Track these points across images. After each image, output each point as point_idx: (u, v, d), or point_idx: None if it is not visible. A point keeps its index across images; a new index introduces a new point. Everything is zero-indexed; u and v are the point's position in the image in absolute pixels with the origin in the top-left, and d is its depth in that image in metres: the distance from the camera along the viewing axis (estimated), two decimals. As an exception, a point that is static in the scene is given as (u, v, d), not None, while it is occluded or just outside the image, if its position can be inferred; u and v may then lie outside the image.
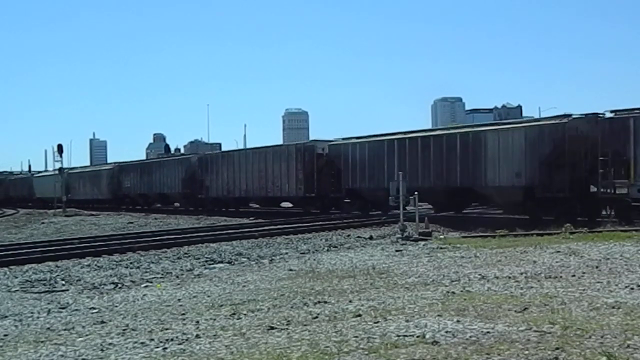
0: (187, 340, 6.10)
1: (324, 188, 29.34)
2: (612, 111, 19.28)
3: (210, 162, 37.48)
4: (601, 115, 19.49)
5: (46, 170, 76.12)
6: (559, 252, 11.57)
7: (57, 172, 56.26)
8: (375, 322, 6.27)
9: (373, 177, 26.16)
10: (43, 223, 33.00)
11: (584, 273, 9.06)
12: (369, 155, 26.69)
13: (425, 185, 22.66)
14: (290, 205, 33.94)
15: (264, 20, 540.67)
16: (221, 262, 14.19)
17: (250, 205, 36.88)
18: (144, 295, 9.83)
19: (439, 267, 10.64)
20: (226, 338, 6.06)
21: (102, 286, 11.30)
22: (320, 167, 29.60)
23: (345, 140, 29.03)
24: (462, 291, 7.99)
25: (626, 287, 7.79)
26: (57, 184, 49.11)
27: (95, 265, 14.28)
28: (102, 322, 7.54)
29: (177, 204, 42.09)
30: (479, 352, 4.99)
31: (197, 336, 6.23)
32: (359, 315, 6.67)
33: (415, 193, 18.45)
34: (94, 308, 8.93)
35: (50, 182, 52.43)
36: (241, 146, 72.44)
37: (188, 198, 38.48)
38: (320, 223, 23.60)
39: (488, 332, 5.59)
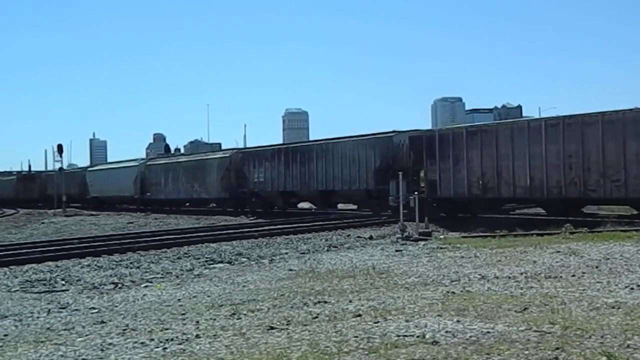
0: (187, 340, 6.10)
1: None
2: None
3: (440, 142, 22.98)
4: None
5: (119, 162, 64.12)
6: (559, 252, 11.57)
7: (131, 163, 45.39)
8: (375, 322, 6.27)
9: None
10: (43, 223, 33.00)
11: (584, 273, 9.05)
12: None
13: None
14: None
15: (264, 20, 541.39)
16: (221, 262, 14.19)
17: (509, 208, 24.55)
18: (144, 295, 9.83)
19: (439, 267, 10.63)
20: (226, 338, 6.06)
21: (102, 286, 11.30)
22: None
23: None
24: (462, 291, 7.99)
25: (626, 287, 7.79)
26: (134, 180, 40.65)
27: (95, 265, 14.27)
28: (102, 322, 7.54)
29: (348, 206, 30.12)
30: (479, 352, 4.99)
31: (197, 336, 6.23)
32: (359, 315, 6.67)
33: (415, 193, 18.45)
34: (94, 308, 8.93)
35: (118, 177, 42.83)
36: (241, 146, 62.08)
37: (384, 199, 23.85)
38: (320, 223, 23.60)
39: (488, 332, 5.59)
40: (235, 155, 34.71)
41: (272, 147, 33.40)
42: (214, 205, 36.86)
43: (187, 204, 39.39)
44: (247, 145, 56.55)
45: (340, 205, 31.31)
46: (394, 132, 26.80)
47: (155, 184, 40.31)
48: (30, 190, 59.36)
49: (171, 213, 36.42)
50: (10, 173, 78.60)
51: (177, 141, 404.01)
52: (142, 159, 46.85)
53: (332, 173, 28.01)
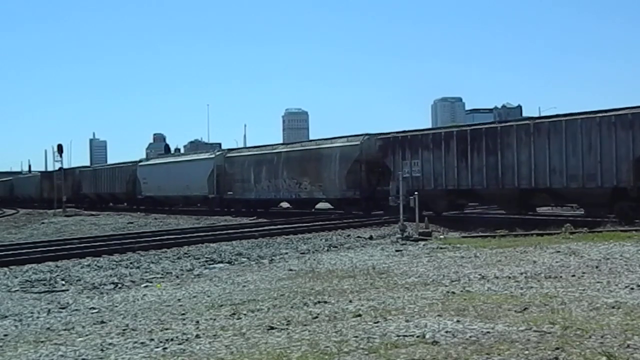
0: (187, 340, 6.10)
1: None
2: None
3: None
4: None
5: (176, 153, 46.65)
6: (559, 252, 11.57)
7: (205, 155, 36.83)
8: (375, 322, 6.27)
9: None
10: (43, 223, 32.99)
11: (584, 273, 9.05)
12: None
13: None
14: None
15: (264, 20, 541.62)
16: (221, 262, 14.19)
17: None
18: (144, 295, 9.83)
19: (439, 267, 10.63)
20: (226, 338, 6.06)
21: (102, 286, 11.30)
22: None
23: None
24: (462, 291, 7.99)
25: (626, 287, 7.79)
26: (208, 175, 33.13)
27: (95, 265, 14.28)
28: (102, 322, 7.54)
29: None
30: (479, 352, 4.99)
31: (197, 336, 6.23)
32: (359, 315, 6.67)
33: (415, 193, 18.45)
34: (94, 308, 8.93)
35: (186, 172, 35.11)
36: (241, 146, 57.86)
37: None
38: (320, 223, 23.58)
39: (488, 332, 5.59)
40: (368, 143, 26.34)
41: (436, 130, 24.67)
42: (331, 207, 29.74)
43: (288, 204, 33.17)
44: (248, 145, 53.81)
45: (543, 208, 23.56)
46: None
47: (240, 180, 32.23)
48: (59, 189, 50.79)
49: (271, 216, 29.14)
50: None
51: (177, 141, 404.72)
52: (219, 151, 37.37)
53: (549, 164, 19.77)
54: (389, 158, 24.54)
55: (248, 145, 53.76)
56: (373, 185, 25.59)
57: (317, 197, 29.31)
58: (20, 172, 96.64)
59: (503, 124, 21.97)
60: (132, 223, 31.12)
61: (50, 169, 57.25)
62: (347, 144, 27.41)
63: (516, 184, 20.57)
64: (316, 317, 6.77)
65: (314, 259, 13.33)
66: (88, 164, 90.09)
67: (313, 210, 31.16)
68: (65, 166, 50.89)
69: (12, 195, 66.73)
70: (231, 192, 32.67)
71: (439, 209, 23.30)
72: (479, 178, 21.52)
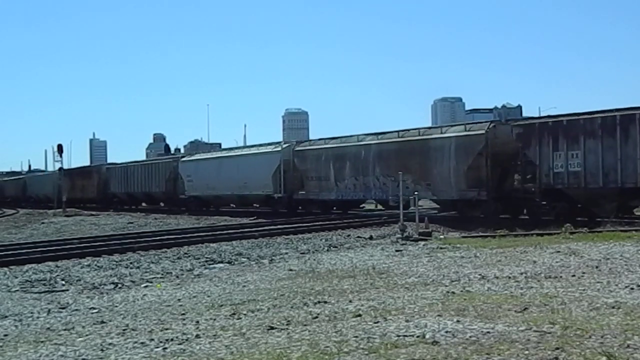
0: (187, 340, 6.09)
1: None
2: None
3: None
4: None
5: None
6: (559, 252, 11.58)
7: (269, 148, 31.74)
8: (375, 322, 6.26)
9: None
10: (43, 223, 32.98)
11: (584, 273, 9.06)
12: None
13: None
14: None
15: (264, 20, 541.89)
16: (221, 262, 14.19)
17: None
18: (144, 295, 9.83)
19: (439, 267, 10.63)
20: (226, 338, 6.06)
21: (102, 286, 11.30)
22: None
23: None
24: (462, 291, 7.99)
25: (626, 287, 7.79)
26: (273, 172, 28.89)
27: (95, 265, 14.27)
28: (102, 322, 7.54)
29: None
30: (479, 352, 4.99)
31: (197, 336, 6.23)
32: (359, 315, 6.67)
33: (415, 193, 18.46)
34: (94, 308, 8.93)
35: (243, 168, 30.89)
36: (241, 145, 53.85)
37: None
38: (320, 223, 23.57)
39: (488, 332, 5.59)
40: (495, 131, 21.47)
41: (607, 114, 18.70)
42: (443, 211, 24.20)
43: (378, 205, 28.21)
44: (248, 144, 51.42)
45: None
46: None
47: (315, 177, 27.88)
48: (82, 188, 46.43)
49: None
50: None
51: (177, 141, 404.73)
52: (286, 143, 31.97)
53: None
54: (533, 149, 19.88)
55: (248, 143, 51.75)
56: (496, 181, 21.03)
57: (423, 198, 24.08)
58: (20, 172, 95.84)
59: None
60: (132, 223, 31.12)
61: (50, 169, 56.02)
62: (467, 134, 22.37)
63: None
64: (316, 317, 6.77)
65: (314, 259, 13.33)
66: (88, 163, 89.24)
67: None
68: (65, 166, 50.72)
69: (24, 195, 62.99)
70: (303, 192, 28.44)
71: (604, 212, 18.51)
72: None
